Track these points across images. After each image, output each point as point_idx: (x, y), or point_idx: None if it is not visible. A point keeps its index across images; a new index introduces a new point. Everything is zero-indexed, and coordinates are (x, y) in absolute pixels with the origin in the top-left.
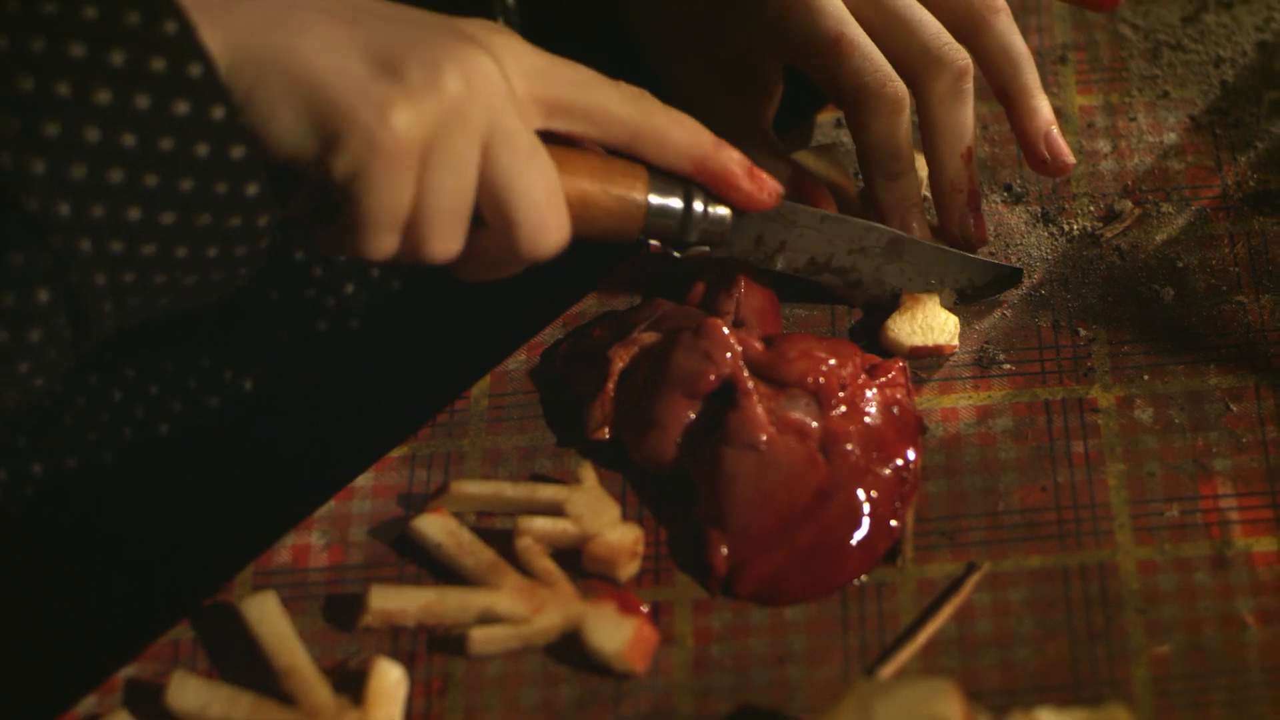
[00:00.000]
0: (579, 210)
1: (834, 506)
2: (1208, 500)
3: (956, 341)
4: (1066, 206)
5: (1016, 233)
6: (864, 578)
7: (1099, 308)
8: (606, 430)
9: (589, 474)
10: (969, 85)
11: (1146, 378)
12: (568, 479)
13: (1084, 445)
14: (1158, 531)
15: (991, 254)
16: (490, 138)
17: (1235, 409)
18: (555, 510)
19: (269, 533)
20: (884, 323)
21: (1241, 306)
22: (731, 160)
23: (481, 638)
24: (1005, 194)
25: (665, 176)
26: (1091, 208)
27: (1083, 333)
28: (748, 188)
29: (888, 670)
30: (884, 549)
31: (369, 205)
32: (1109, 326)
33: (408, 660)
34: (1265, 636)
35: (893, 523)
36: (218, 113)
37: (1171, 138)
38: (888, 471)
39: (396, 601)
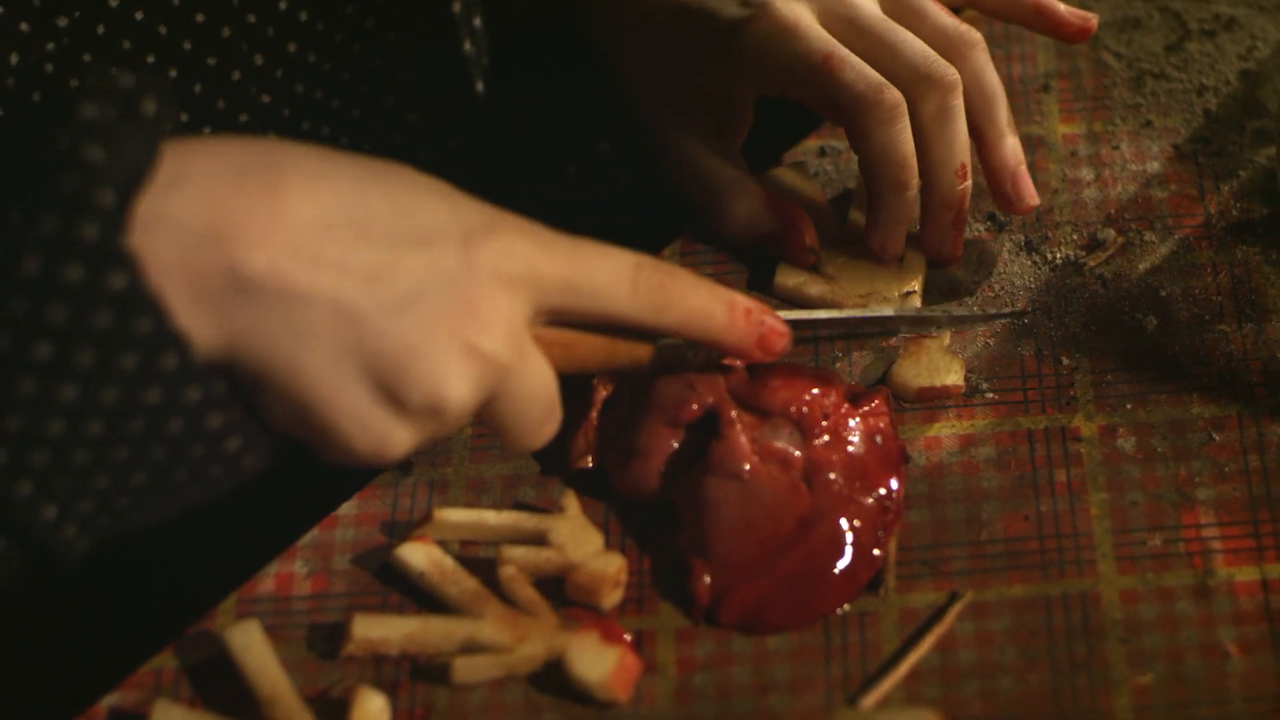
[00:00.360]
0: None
1: (817, 535)
2: (1190, 529)
3: (962, 381)
4: (1049, 235)
5: (999, 261)
6: (847, 607)
7: (1082, 336)
8: (590, 459)
9: (572, 503)
10: (959, 102)
11: (1129, 407)
12: (551, 508)
13: (1067, 474)
14: (1140, 561)
15: (975, 282)
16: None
17: (1218, 438)
18: (538, 539)
19: (252, 561)
20: (889, 369)
21: (1224, 335)
22: (744, 336)
23: (464, 667)
24: (988, 223)
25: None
26: (1075, 236)
27: (1065, 361)
28: (758, 355)
29: (870, 699)
30: (867, 578)
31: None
32: (1092, 355)
33: (391, 689)
34: (1247, 666)
35: (875, 552)
36: (193, 395)
37: (1154, 166)
38: (870, 500)
39: (379, 630)
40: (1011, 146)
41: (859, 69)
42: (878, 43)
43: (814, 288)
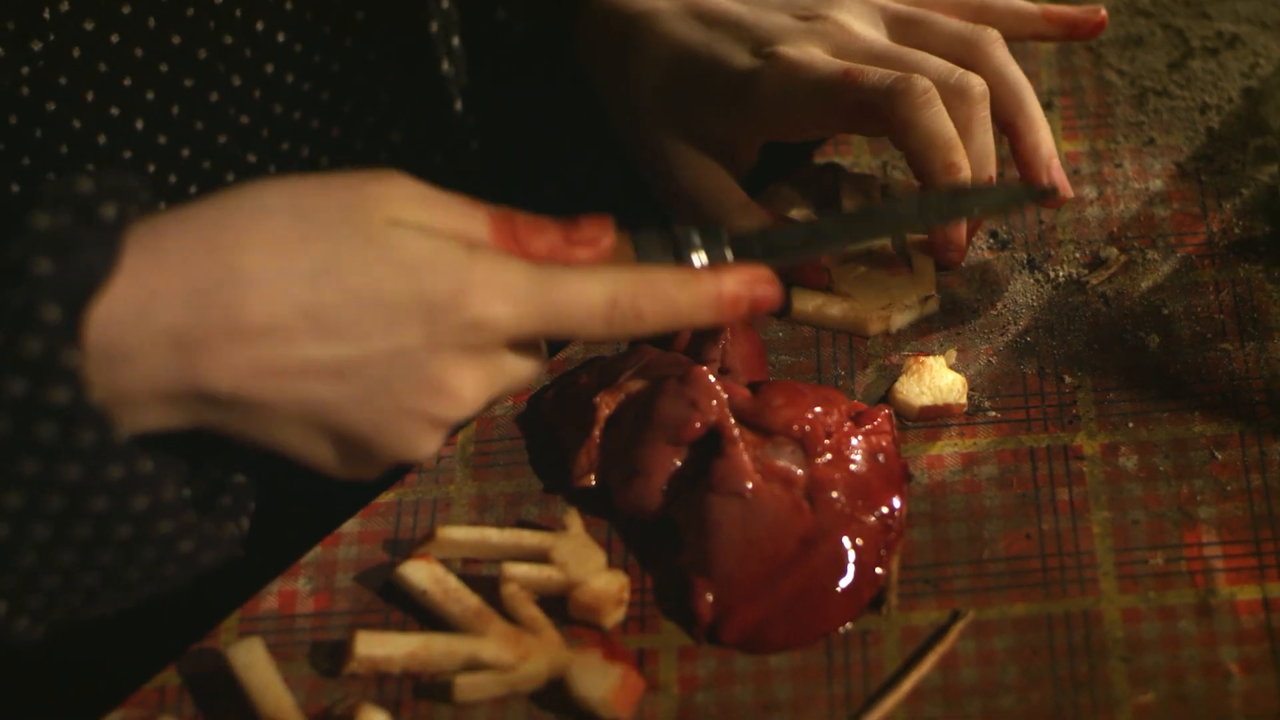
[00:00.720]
0: None
1: (819, 554)
2: (1192, 548)
3: (965, 400)
4: (1052, 253)
5: (1002, 279)
6: (849, 625)
7: (1084, 355)
8: (593, 477)
9: (575, 521)
10: (986, 112)
11: (1131, 425)
12: (554, 526)
13: (1069, 492)
14: (1142, 579)
15: (977, 300)
16: None
17: (1220, 456)
18: (541, 557)
19: (255, 579)
20: (892, 386)
21: (1226, 354)
22: (736, 317)
23: (467, 685)
24: (991, 240)
25: (652, 239)
26: (1077, 254)
27: (1068, 380)
28: (754, 314)
29: (872, 718)
30: (869, 596)
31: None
32: (1094, 374)
33: (393, 707)
34: (1249, 685)
35: (878, 570)
36: (140, 503)
37: (1157, 184)
38: (873, 519)
39: (382, 648)
40: (1045, 135)
41: (880, 71)
42: (897, 63)
43: (834, 308)
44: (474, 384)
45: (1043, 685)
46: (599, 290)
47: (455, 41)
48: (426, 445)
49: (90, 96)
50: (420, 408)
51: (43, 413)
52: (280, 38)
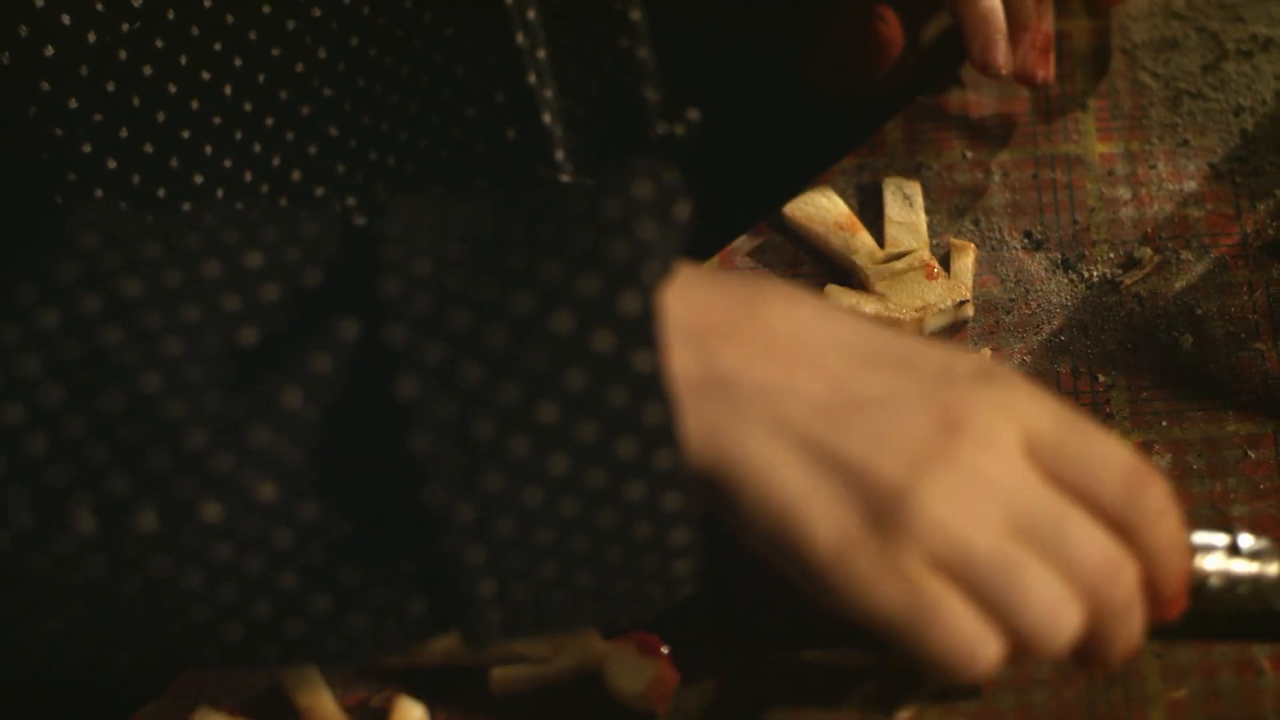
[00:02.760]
0: None
1: None
2: None
3: None
4: (1086, 253)
5: (1036, 279)
6: None
7: (1118, 354)
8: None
9: None
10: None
11: (1165, 424)
12: None
13: None
14: None
15: (1011, 300)
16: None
17: (1253, 455)
18: None
19: None
20: None
21: (1260, 354)
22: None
23: (503, 677)
24: (1025, 240)
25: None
26: (1111, 255)
27: (1102, 379)
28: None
29: (906, 713)
30: None
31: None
32: (1128, 373)
33: (429, 699)
34: None
35: None
36: (671, 502)
37: (1191, 185)
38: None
39: None
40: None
41: None
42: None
43: (868, 307)
44: (1002, 443)
45: (1076, 680)
46: (1126, 448)
47: (530, 14)
48: (932, 488)
49: (184, 59)
50: (932, 436)
51: (620, 377)
52: (365, 11)
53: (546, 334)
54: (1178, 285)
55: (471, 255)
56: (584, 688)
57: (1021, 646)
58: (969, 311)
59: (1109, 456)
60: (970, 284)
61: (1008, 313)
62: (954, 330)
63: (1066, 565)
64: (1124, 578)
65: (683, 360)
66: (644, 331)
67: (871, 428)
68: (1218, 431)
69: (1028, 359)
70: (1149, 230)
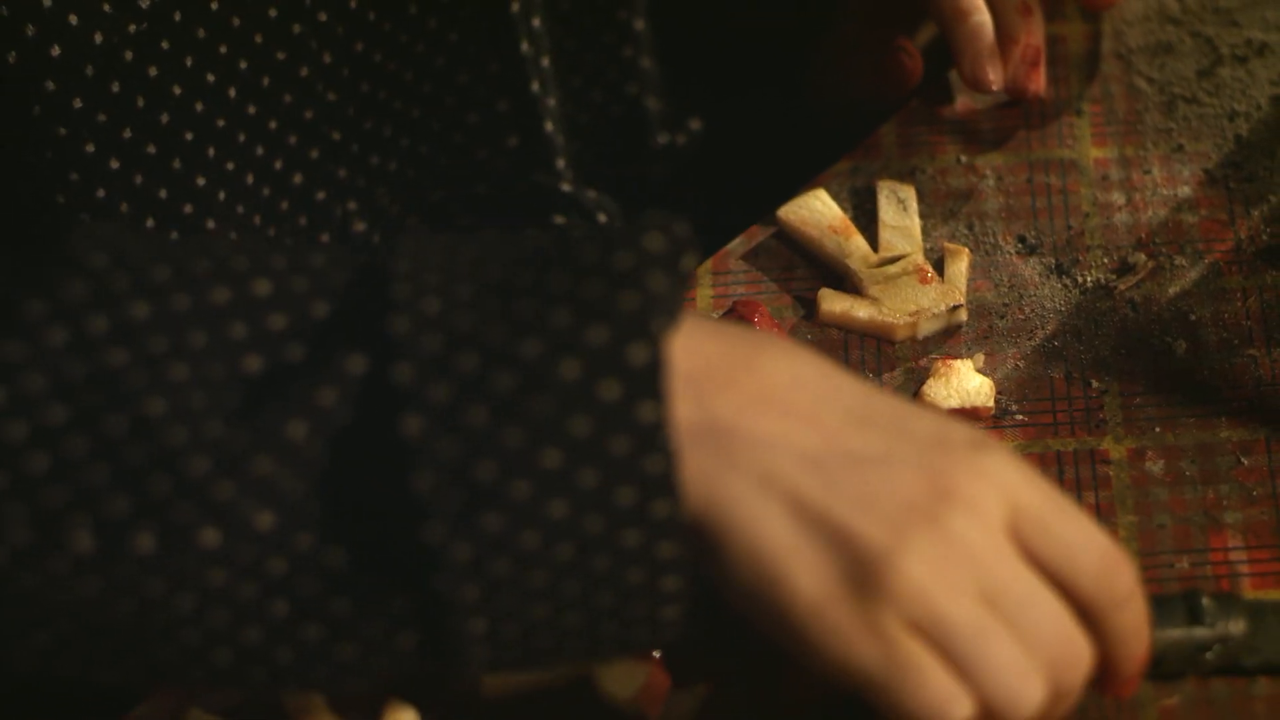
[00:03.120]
0: None
1: None
2: (1218, 553)
3: (992, 403)
4: (1080, 259)
5: (1030, 284)
6: None
7: (1111, 360)
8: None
9: None
10: None
11: (1158, 430)
12: None
13: (1095, 496)
14: (1167, 583)
15: (1005, 304)
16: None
17: (1246, 462)
18: None
19: None
20: (919, 389)
21: (1253, 360)
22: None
23: (494, 681)
24: (1019, 245)
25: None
26: (1105, 260)
27: (1095, 384)
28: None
29: None
30: None
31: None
32: (1121, 378)
33: (420, 702)
34: (1273, 689)
35: None
36: (665, 551)
37: (1185, 191)
38: None
39: None
40: None
41: None
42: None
43: (861, 311)
44: (986, 511)
45: None
46: (1103, 532)
47: (535, 23)
48: (912, 558)
49: (189, 62)
50: (919, 500)
51: (623, 427)
52: (370, 16)
53: (554, 381)
54: (1171, 291)
55: (481, 298)
56: (576, 692)
57: (988, 711)
58: (962, 316)
59: (1087, 541)
60: (964, 288)
61: (1001, 317)
62: (947, 334)
63: (1032, 641)
64: (1083, 663)
65: (681, 407)
66: (650, 383)
67: (861, 487)
68: (1211, 437)
69: (1021, 364)
70: (1143, 235)
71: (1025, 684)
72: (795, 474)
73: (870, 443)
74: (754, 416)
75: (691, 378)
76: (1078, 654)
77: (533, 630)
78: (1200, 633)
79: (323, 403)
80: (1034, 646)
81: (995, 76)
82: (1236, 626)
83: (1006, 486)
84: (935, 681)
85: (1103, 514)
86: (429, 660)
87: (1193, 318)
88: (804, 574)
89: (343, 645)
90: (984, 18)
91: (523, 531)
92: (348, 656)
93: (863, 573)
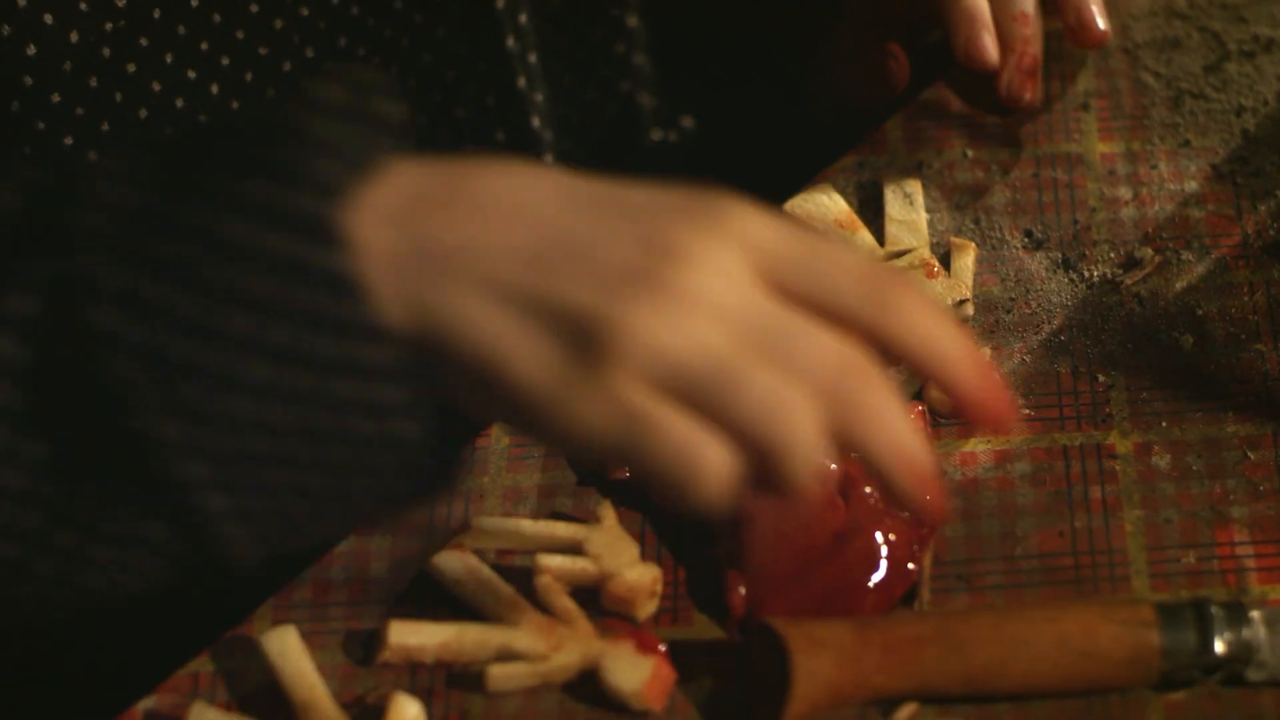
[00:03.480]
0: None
1: (852, 549)
2: (1224, 547)
3: None
4: (1087, 253)
5: (1037, 279)
6: None
7: (1118, 354)
8: (627, 469)
9: (609, 513)
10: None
11: (1165, 424)
12: (588, 518)
13: (1102, 491)
14: (1174, 578)
15: (1011, 299)
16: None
17: (1253, 457)
18: (575, 549)
19: (288, 567)
20: (924, 384)
21: (1260, 355)
22: (971, 383)
23: (499, 675)
24: (1025, 239)
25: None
26: (1112, 254)
27: (1102, 379)
28: (978, 416)
29: (903, 713)
30: (901, 591)
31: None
32: (1128, 373)
33: (426, 696)
34: None
35: (910, 566)
36: (384, 395)
37: (1192, 186)
38: (905, 515)
39: (415, 637)
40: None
41: None
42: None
43: None
44: (719, 261)
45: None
46: (859, 251)
47: (522, 19)
48: (646, 316)
49: (169, 58)
50: (644, 261)
51: (306, 278)
52: (354, 11)
53: (224, 243)
54: (1178, 286)
55: (157, 177)
56: (581, 685)
57: (754, 447)
58: (969, 310)
59: (839, 262)
60: (970, 283)
61: (1008, 312)
62: None
63: (792, 368)
64: (853, 367)
65: (389, 239)
66: (323, 228)
67: (579, 266)
68: (1217, 432)
69: (1027, 358)
70: (1150, 230)
71: (782, 404)
72: (513, 271)
73: (590, 226)
74: (467, 230)
75: (399, 211)
76: (845, 361)
77: (280, 498)
78: (1209, 657)
79: (20, 310)
80: (797, 373)
81: (991, 47)
82: (1247, 636)
83: (743, 235)
84: (677, 431)
85: (1109, 509)
86: (192, 550)
87: (1199, 312)
88: (527, 359)
89: (97, 547)
90: (980, 0)
91: (227, 398)
92: (107, 557)
93: (587, 343)
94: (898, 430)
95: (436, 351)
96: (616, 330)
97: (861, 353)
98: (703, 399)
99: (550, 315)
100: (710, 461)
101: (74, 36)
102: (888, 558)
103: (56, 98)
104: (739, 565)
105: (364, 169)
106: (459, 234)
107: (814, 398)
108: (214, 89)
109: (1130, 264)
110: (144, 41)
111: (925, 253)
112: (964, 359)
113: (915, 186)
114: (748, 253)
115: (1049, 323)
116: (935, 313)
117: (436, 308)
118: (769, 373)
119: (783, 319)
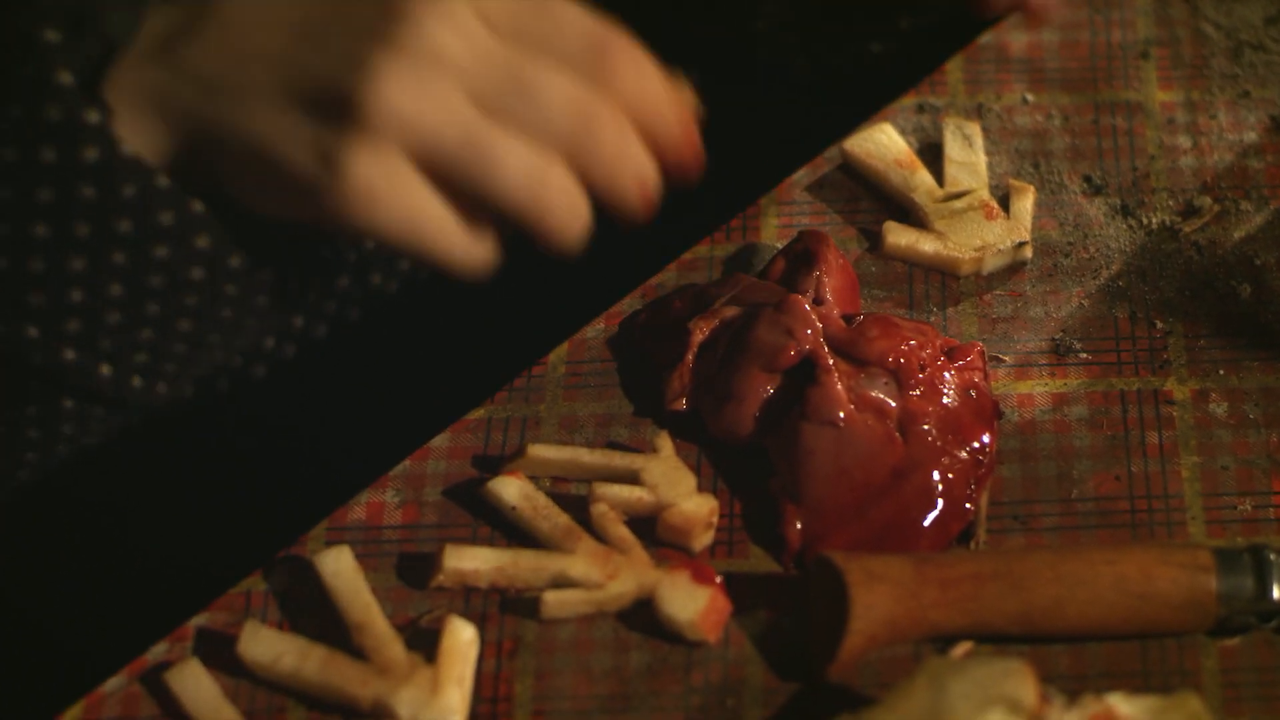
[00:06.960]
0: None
1: (909, 486)
2: None
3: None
4: (1146, 200)
5: (1095, 224)
6: None
7: (1176, 301)
8: (684, 401)
9: (666, 444)
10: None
11: (1222, 372)
12: (644, 448)
13: (1159, 436)
14: (1230, 525)
15: (1069, 244)
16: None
17: None
18: (631, 478)
19: (342, 490)
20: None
21: None
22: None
23: (554, 601)
24: (1085, 185)
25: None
26: (1171, 202)
27: (1159, 325)
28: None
29: (960, 649)
30: (957, 530)
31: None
32: (1185, 320)
33: (480, 621)
34: None
35: (967, 505)
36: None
37: (1251, 136)
38: (963, 454)
39: (470, 562)
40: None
41: None
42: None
43: (927, 245)
44: (449, 12)
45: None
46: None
47: None
48: (386, 78)
49: None
50: (379, 28)
51: (79, 174)
52: None
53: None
54: (1236, 235)
55: None
56: (635, 614)
57: (518, 219)
58: (1028, 253)
59: (569, 18)
60: (1029, 225)
61: (1066, 256)
62: (1012, 271)
63: (536, 121)
64: (597, 115)
65: (149, 75)
66: (77, 130)
67: (321, 48)
68: (1274, 381)
69: (1085, 302)
70: (1208, 179)
71: (534, 170)
72: (267, 70)
73: (324, 13)
74: (222, 49)
75: (157, 48)
76: (586, 108)
77: (139, 334)
78: (1266, 603)
79: None
80: (539, 125)
81: None
82: None
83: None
84: (429, 210)
85: (1166, 454)
86: (107, 407)
87: (1258, 262)
88: (294, 144)
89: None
90: None
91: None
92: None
93: (345, 119)
94: (639, 162)
95: (217, 164)
96: (368, 102)
97: (595, 94)
98: (459, 176)
99: (307, 98)
100: (455, 237)
101: None
102: (944, 496)
103: None
104: (796, 499)
105: (115, 51)
106: (216, 60)
107: (558, 148)
108: None
109: (1189, 212)
110: None
111: (984, 194)
112: (674, 119)
113: (975, 129)
114: (477, 8)
115: (1107, 268)
116: (651, 72)
117: (206, 125)
118: (517, 139)
119: (517, 64)
